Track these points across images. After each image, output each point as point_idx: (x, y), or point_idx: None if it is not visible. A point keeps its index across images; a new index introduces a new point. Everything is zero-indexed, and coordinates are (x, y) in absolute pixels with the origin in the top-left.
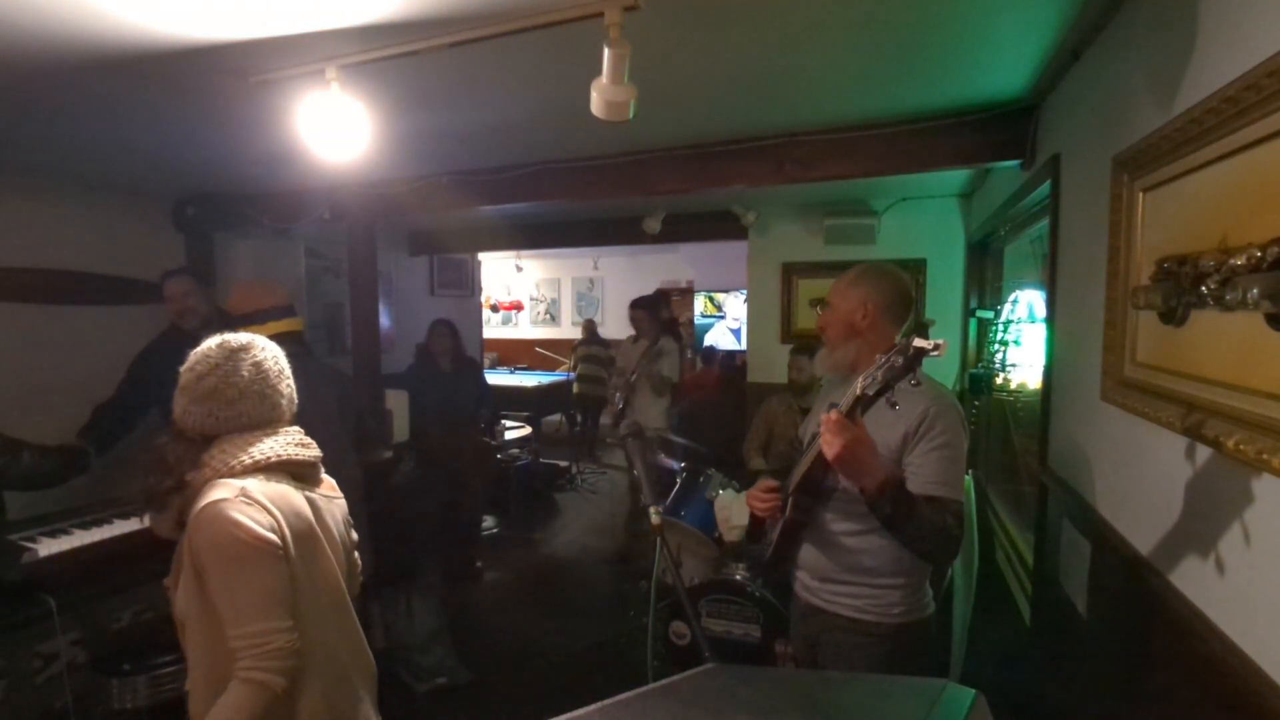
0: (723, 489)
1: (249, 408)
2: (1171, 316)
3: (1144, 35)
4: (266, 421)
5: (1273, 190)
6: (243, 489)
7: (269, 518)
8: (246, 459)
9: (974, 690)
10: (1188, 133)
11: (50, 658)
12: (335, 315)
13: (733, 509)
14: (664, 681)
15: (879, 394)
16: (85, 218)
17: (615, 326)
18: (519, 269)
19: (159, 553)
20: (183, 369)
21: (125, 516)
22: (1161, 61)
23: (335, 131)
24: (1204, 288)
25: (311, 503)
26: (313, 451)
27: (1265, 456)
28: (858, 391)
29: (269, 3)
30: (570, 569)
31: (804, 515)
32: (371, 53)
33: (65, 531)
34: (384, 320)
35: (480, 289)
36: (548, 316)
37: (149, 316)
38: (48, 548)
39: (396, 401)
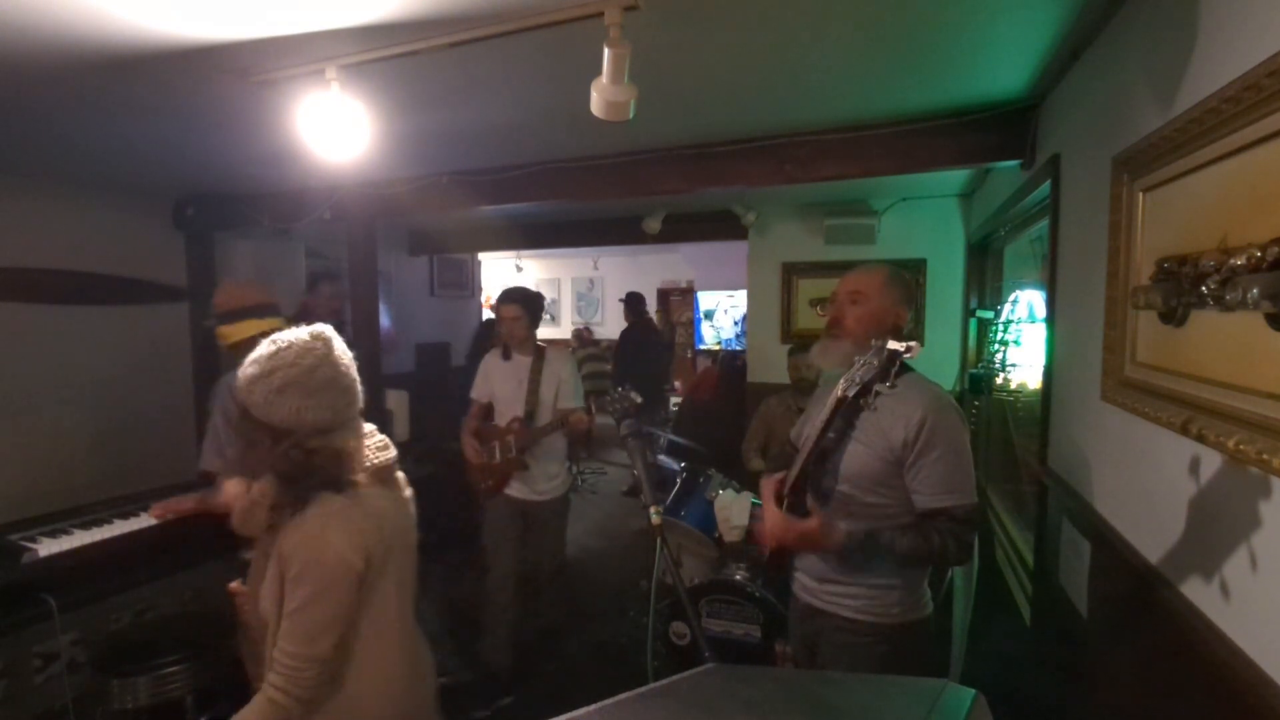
0: (723, 489)
1: (355, 399)
2: (1172, 316)
3: (1144, 35)
4: (358, 414)
5: (1273, 190)
6: (344, 505)
7: (363, 538)
8: (352, 469)
9: (974, 690)
10: (1188, 133)
11: (50, 658)
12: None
13: (733, 509)
14: (664, 681)
15: (858, 396)
16: (85, 218)
17: (615, 326)
18: (519, 269)
19: (159, 553)
20: (276, 365)
21: (125, 516)
22: (1161, 61)
23: (335, 131)
24: (1204, 288)
25: (396, 506)
26: (393, 451)
27: (1266, 457)
28: (839, 393)
29: (269, 3)
30: (570, 569)
31: (798, 517)
32: (371, 53)
33: (65, 531)
34: (384, 320)
35: (480, 289)
36: (548, 316)
37: (150, 316)
38: (48, 548)
39: (397, 401)
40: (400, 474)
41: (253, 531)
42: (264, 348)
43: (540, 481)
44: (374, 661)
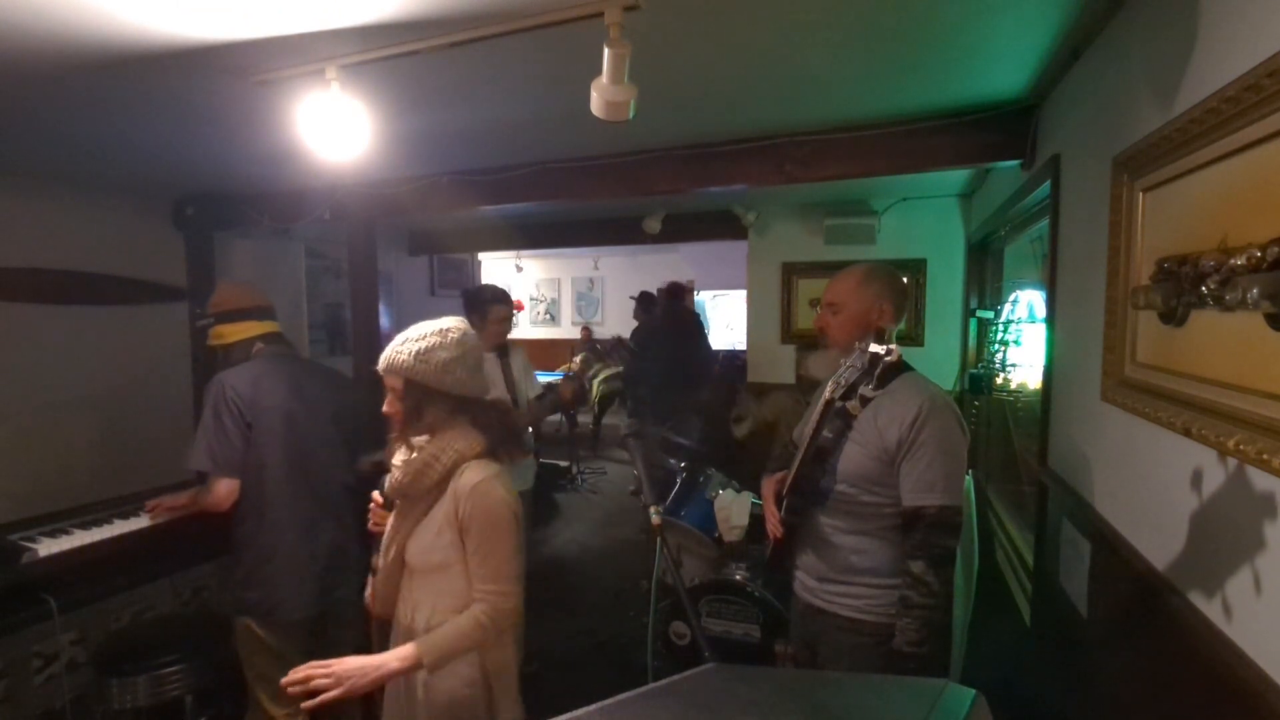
0: (723, 489)
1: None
2: (1171, 316)
3: (1144, 35)
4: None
5: (1273, 190)
6: (499, 470)
7: (516, 496)
8: (492, 439)
9: (974, 690)
10: (1188, 133)
11: (50, 658)
12: (335, 315)
13: (733, 509)
14: (664, 681)
15: (844, 399)
16: (85, 218)
17: (616, 327)
18: (519, 269)
19: (159, 553)
20: (442, 342)
21: (125, 516)
22: (1161, 61)
23: (335, 131)
24: (1204, 288)
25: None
26: None
27: (1265, 457)
28: (826, 396)
29: (269, 3)
30: (570, 569)
31: (797, 517)
32: (371, 53)
33: (65, 531)
34: (384, 320)
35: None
36: (548, 316)
37: (150, 316)
38: (48, 548)
39: None
40: None
41: (417, 491)
42: (433, 330)
43: None
44: None
